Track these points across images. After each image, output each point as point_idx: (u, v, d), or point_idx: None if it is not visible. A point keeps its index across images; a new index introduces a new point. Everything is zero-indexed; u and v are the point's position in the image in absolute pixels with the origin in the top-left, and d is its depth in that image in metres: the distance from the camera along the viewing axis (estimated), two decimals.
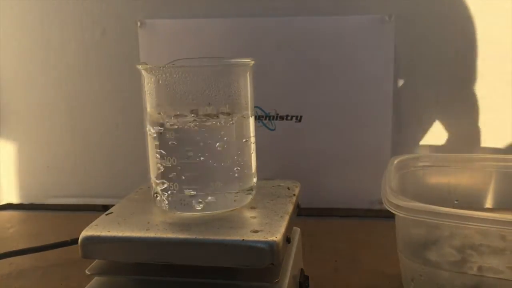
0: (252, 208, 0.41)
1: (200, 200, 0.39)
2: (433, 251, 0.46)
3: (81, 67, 0.75)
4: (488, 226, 0.39)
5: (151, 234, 0.36)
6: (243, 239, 0.35)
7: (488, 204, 0.59)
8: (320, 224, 0.69)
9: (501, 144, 0.70)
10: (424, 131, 0.71)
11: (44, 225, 0.73)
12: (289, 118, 0.71)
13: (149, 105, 0.40)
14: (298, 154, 0.72)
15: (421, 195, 0.52)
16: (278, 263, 0.35)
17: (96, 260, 0.39)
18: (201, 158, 0.38)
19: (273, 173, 0.67)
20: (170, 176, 0.39)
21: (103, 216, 0.40)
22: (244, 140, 0.41)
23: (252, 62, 0.40)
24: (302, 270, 0.46)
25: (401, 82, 0.69)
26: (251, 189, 0.42)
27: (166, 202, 0.39)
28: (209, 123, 0.38)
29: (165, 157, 0.39)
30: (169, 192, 0.39)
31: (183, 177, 0.38)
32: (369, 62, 0.69)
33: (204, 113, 0.39)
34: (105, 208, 0.43)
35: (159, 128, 0.39)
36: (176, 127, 0.38)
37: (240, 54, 0.65)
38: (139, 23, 0.71)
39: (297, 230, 0.48)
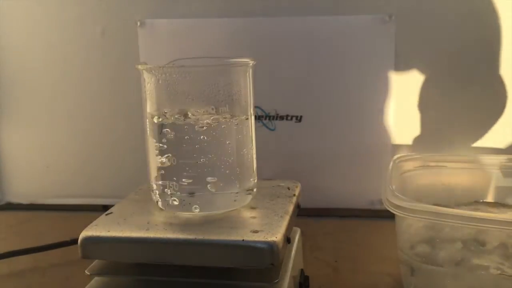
0: (252, 208, 0.41)
1: (200, 200, 0.39)
2: (433, 251, 0.46)
3: (81, 67, 0.75)
4: (488, 226, 0.39)
5: (151, 234, 0.36)
6: (243, 239, 0.34)
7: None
8: (320, 224, 0.69)
9: (501, 144, 0.70)
10: (424, 131, 0.71)
11: (44, 225, 0.73)
12: (289, 118, 0.71)
13: (149, 105, 0.40)
14: (298, 154, 0.72)
15: (421, 195, 0.52)
16: (278, 263, 0.35)
17: (96, 260, 0.39)
18: (201, 158, 0.38)
19: (273, 173, 0.67)
20: (170, 176, 0.39)
21: (103, 216, 0.40)
22: (244, 140, 0.40)
23: (252, 62, 0.40)
24: (302, 270, 0.46)
25: (401, 82, 0.69)
26: (251, 189, 0.42)
27: (166, 202, 0.39)
28: (209, 123, 0.38)
29: (165, 157, 0.39)
30: (169, 192, 0.39)
31: (183, 177, 0.38)
32: (369, 62, 0.69)
33: (204, 113, 0.39)
34: (105, 208, 0.43)
35: (159, 128, 0.39)
36: (176, 127, 0.38)
37: (240, 54, 0.65)
38: (139, 23, 0.71)
39: (297, 230, 0.48)
